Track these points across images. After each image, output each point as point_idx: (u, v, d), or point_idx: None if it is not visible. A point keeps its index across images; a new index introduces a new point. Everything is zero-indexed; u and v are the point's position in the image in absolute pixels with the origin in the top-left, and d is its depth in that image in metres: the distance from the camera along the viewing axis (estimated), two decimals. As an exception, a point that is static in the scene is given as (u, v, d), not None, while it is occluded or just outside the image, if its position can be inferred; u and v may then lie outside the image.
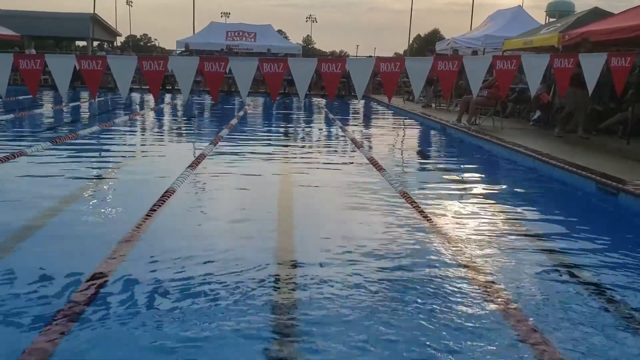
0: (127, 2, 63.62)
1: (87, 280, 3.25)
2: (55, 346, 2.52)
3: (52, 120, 12.80)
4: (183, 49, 24.46)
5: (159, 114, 15.14)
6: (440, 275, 3.51)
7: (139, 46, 72.08)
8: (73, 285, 3.20)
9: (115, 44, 39.11)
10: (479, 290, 3.30)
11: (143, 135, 10.85)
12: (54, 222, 4.59)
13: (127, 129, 11.45)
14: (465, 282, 3.41)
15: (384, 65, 6.59)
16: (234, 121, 12.25)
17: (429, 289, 3.29)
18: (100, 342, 2.59)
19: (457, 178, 7.20)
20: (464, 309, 3.03)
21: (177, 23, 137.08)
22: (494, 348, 2.63)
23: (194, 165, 6.75)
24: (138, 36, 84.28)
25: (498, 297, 3.20)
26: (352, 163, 7.94)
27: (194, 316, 2.85)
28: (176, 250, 3.82)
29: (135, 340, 2.62)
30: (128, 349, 2.56)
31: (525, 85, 10.00)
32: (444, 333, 2.76)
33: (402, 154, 9.68)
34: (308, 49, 65.55)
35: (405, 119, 15.29)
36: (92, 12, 34.78)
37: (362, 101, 20.26)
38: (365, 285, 3.31)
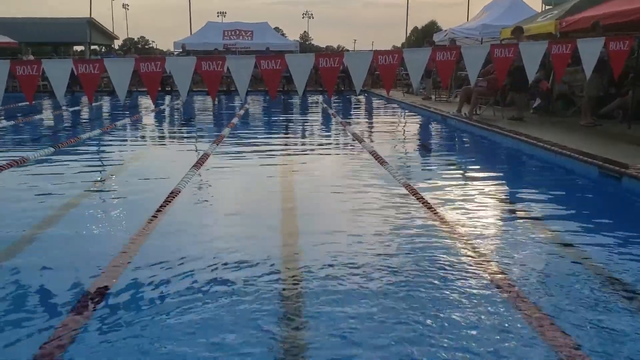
0: (123, 5, 63.67)
1: (94, 282, 3.27)
2: (63, 351, 2.53)
3: (52, 125, 12.83)
4: (180, 50, 24.46)
5: (159, 115, 15.16)
6: (447, 264, 3.53)
7: (137, 49, 72.05)
8: (80, 288, 3.22)
9: (112, 47, 39.18)
10: (485, 278, 3.31)
11: (145, 137, 10.86)
12: (59, 226, 4.61)
13: (129, 131, 11.46)
14: (472, 270, 3.43)
15: (382, 57, 6.59)
16: (235, 120, 12.27)
17: (436, 279, 3.31)
18: (108, 344, 2.61)
19: (460, 168, 7.20)
20: (470, 296, 3.05)
21: (174, 24, 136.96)
22: (503, 336, 2.65)
23: (198, 165, 6.77)
24: (135, 39, 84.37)
25: (503, 283, 3.22)
26: (354, 157, 7.95)
27: (200, 316, 2.86)
28: (183, 250, 3.84)
29: (144, 341, 2.63)
30: (136, 350, 2.57)
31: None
32: (451, 323, 2.78)
33: (404, 147, 9.68)
34: (305, 46, 65.48)
35: (405, 111, 15.28)
36: (88, 16, 34.79)
37: (362, 95, 20.25)
38: (371, 278, 3.33)
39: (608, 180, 5.83)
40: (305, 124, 13.07)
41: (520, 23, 13.95)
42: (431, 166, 7.72)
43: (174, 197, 5.19)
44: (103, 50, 35.72)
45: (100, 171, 7.19)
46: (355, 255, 3.70)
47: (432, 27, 60.52)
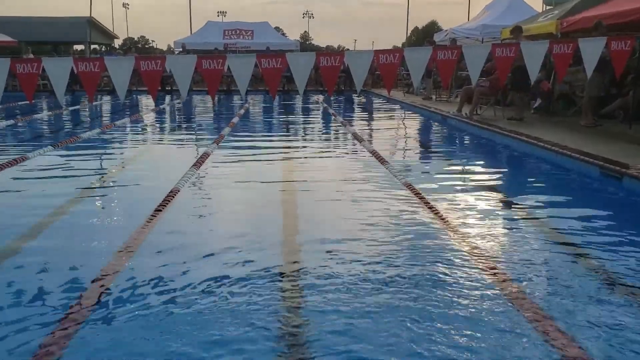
0: (123, 4, 63.70)
1: (93, 282, 3.25)
2: (63, 348, 2.52)
3: (52, 124, 12.82)
4: (180, 49, 24.45)
5: (159, 114, 15.13)
6: (448, 263, 3.51)
7: (137, 48, 72.05)
8: (79, 287, 3.21)
9: (113, 46, 39.17)
10: (486, 278, 3.30)
11: (145, 136, 10.85)
12: (58, 225, 4.60)
13: (128, 130, 11.44)
14: (472, 270, 3.41)
15: (383, 57, 6.57)
16: (235, 119, 12.24)
17: (436, 278, 3.29)
18: (108, 343, 2.59)
19: (461, 168, 7.19)
20: (472, 296, 3.04)
21: (174, 24, 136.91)
22: (504, 335, 2.64)
23: (197, 164, 6.75)
24: (135, 38, 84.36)
25: (505, 283, 3.20)
26: (354, 157, 7.93)
27: (199, 316, 2.84)
28: (182, 249, 3.82)
29: (142, 341, 2.62)
30: (135, 350, 2.55)
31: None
32: (453, 322, 2.76)
33: (404, 146, 9.67)
34: (306, 46, 65.46)
35: (406, 111, 15.27)
36: (88, 15, 34.75)
37: (362, 95, 20.23)
38: (373, 278, 3.30)
39: (609, 180, 5.81)
40: (306, 123, 13.05)
41: (521, 23, 13.94)
42: (432, 166, 7.70)
43: (173, 197, 5.17)
44: (103, 49, 35.69)
45: (99, 170, 7.18)
46: (356, 255, 3.68)
47: (432, 27, 60.48)
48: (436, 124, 12.26)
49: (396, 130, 12.29)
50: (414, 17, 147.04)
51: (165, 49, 67.88)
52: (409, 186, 5.56)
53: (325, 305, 2.92)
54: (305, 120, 13.72)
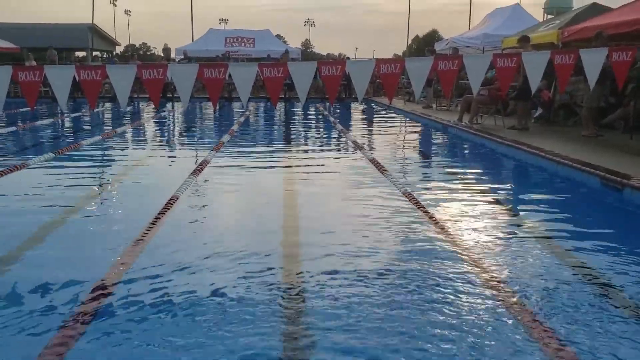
0: (125, 11, 64.01)
1: (93, 289, 3.24)
2: (62, 356, 2.51)
3: (53, 131, 12.83)
4: (182, 57, 24.51)
5: (160, 122, 15.15)
6: (447, 276, 3.49)
7: (139, 55, 72.18)
8: (79, 295, 3.19)
9: (114, 53, 39.27)
10: (485, 289, 3.28)
11: (145, 143, 10.85)
12: (58, 233, 4.59)
13: (129, 138, 11.45)
14: (472, 281, 3.40)
15: (384, 66, 6.57)
16: (235, 127, 12.25)
17: (436, 290, 3.27)
18: (107, 350, 2.58)
19: (461, 177, 7.17)
20: (471, 307, 3.02)
21: (176, 31, 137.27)
22: (501, 345, 2.62)
23: (196, 172, 6.74)
24: (137, 45, 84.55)
25: (504, 295, 3.19)
26: (354, 165, 7.91)
27: (198, 324, 2.83)
28: (181, 258, 3.81)
29: (141, 349, 2.61)
30: (134, 357, 2.55)
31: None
32: (450, 332, 2.75)
33: (404, 155, 9.66)
34: (307, 53, 65.63)
35: (406, 120, 15.28)
36: (90, 22, 34.89)
37: (363, 103, 20.25)
38: (371, 289, 3.29)
39: (610, 191, 5.79)
40: (306, 131, 13.06)
41: (522, 32, 13.98)
42: (432, 175, 7.69)
43: (172, 204, 5.16)
44: (105, 56, 35.79)
45: (99, 178, 7.17)
46: (356, 264, 3.66)
47: (433, 36, 60.60)
48: (436, 132, 12.26)
49: (396, 138, 12.29)
50: (414, 26, 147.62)
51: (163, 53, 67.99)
52: (409, 195, 5.55)
53: (325, 313, 2.91)
54: (305, 128, 13.72)
